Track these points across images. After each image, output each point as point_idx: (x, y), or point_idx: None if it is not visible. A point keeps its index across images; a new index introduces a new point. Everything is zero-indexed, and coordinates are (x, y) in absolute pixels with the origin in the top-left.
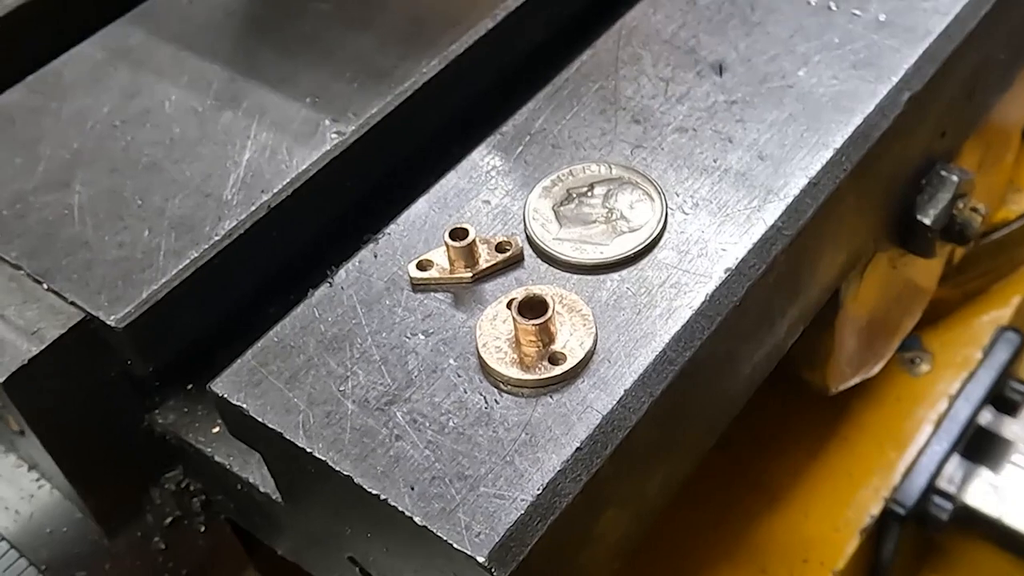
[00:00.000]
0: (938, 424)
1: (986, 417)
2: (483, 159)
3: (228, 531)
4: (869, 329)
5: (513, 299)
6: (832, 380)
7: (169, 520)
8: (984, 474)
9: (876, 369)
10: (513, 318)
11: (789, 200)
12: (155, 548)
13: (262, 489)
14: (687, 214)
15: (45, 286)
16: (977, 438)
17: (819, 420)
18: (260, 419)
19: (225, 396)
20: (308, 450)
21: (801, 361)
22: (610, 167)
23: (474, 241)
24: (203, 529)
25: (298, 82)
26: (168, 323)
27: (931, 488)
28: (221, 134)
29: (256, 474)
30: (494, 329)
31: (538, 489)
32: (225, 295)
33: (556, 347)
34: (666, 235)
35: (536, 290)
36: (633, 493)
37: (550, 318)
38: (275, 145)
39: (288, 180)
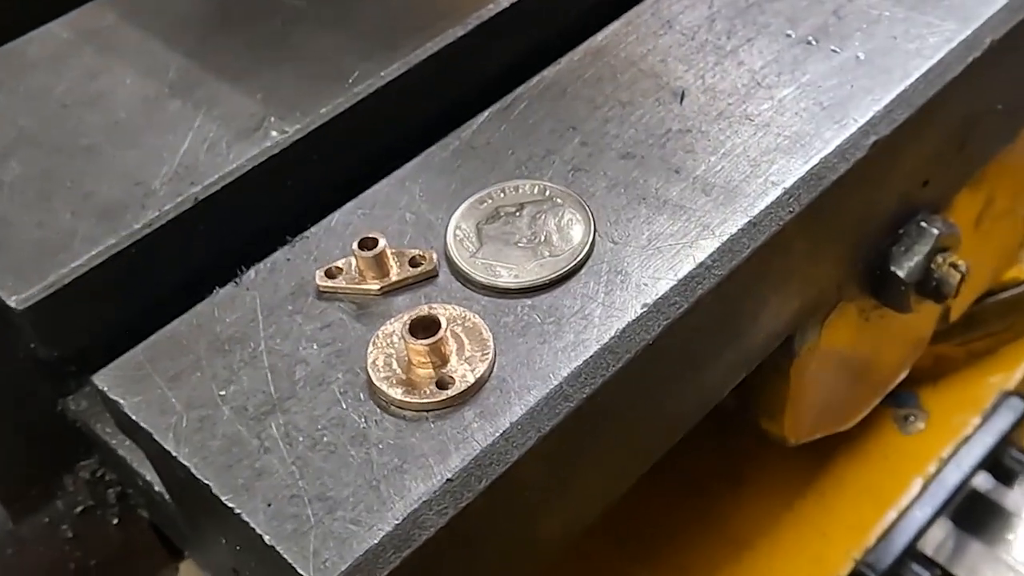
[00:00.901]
0: (925, 486)
1: (982, 485)
2: (418, 169)
3: (145, 526)
4: (837, 381)
5: (409, 317)
6: (792, 431)
7: (80, 509)
8: (975, 546)
9: (849, 424)
10: (403, 337)
11: (724, 239)
12: (63, 536)
13: (156, 488)
14: (615, 243)
15: None
16: (971, 506)
17: (798, 469)
18: (134, 416)
19: (105, 390)
20: (174, 454)
21: (758, 409)
22: (544, 188)
23: (384, 252)
24: (116, 521)
25: (255, 78)
26: (75, 309)
27: (910, 553)
28: (165, 123)
29: (154, 472)
30: (389, 346)
31: (397, 519)
32: (143, 286)
33: (447, 370)
34: (588, 264)
35: (432, 309)
36: (516, 535)
37: (441, 339)
38: (216, 138)
39: (220, 175)
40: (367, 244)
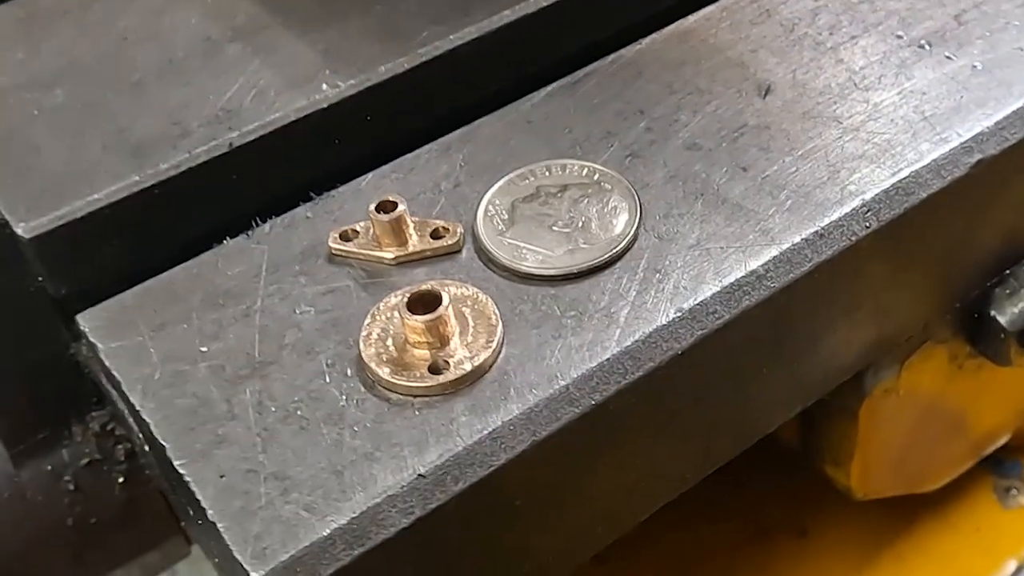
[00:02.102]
0: (1020, 570)
1: None
2: (465, 137)
3: (153, 490)
4: (919, 433)
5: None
6: (860, 483)
7: (86, 461)
8: None
9: (932, 486)
10: (399, 311)
11: (784, 247)
12: (64, 488)
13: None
14: (660, 239)
15: None
16: None
17: (872, 528)
18: (107, 362)
19: (86, 330)
20: (138, 407)
21: (824, 454)
22: (594, 171)
23: (402, 218)
24: (122, 480)
25: (321, 29)
26: (87, 245)
27: None
28: (220, 65)
29: None
30: (388, 321)
31: (354, 512)
32: (163, 229)
33: (445, 354)
34: (625, 257)
35: (438, 285)
36: (498, 551)
37: (440, 318)
38: (266, 86)
39: (260, 123)
40: (385, 207)
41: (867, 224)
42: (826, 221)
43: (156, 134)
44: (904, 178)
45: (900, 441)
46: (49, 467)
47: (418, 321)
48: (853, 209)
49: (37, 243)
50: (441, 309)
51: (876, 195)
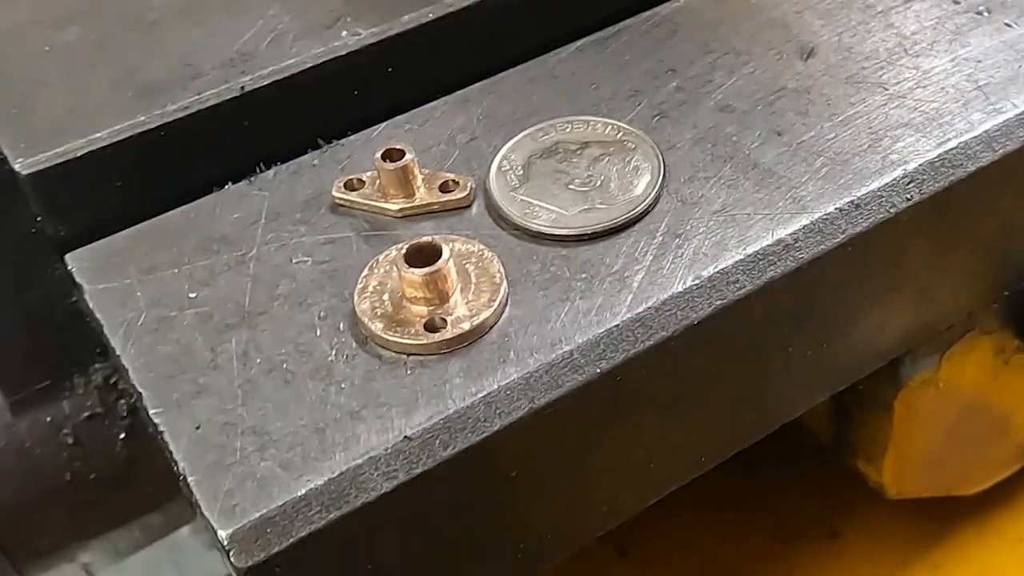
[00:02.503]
0: None
1: None
2: (485, 90)
3: (156, 448)
4: (959, 431)
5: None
6: (893, 480)
7: (87, 415)
8: None
9: (974, 489)
10: (396, 263)
11: (815, 216)
12: (63, 440)
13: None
14: (683, 202)
15: None
16: None
17: (907, 532)
18: (91, 304)
19: (73, 270)
20: (118, 352)
21: (856, 448)
22: (618, 129)
23: (409, 168)
24: (123, 436)
25: None
26: (86, 185)
27: None
28: (239, 7)
29: None
30: (387, 274)
31: (333, 473)
32: (167, 172)
33: (443, 311)
34: (644, 220)
35: (438, 239)
36: (489, 524)
37: (439, 272)
38: (284, 30)
39: (274, 68)
40: (392, 155)
41: (908, 196)
42: (863, 191)
43: (167, 75)
44: (951, 149)
45: (938, 438)
46: (49, 418)
47: (415, 274)
48: (894, 179)
49: (34, 180)
50: (440, 263)
51: (919, 165)
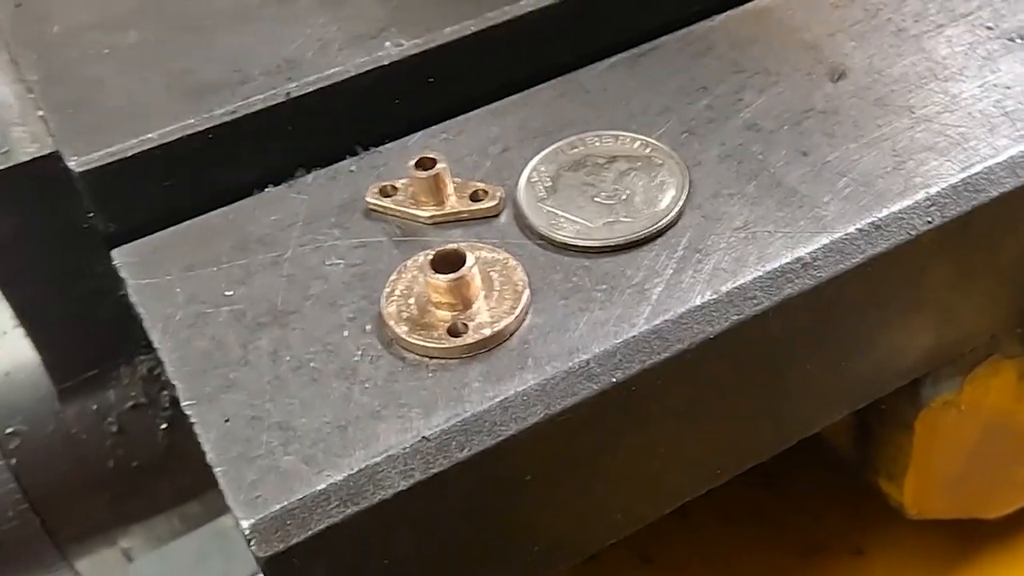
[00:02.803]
0: None
1: None
2: (520, 103)
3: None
4: (982, 454)
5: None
6: (914, 500)
7: (131, 404)
8: None
9: (997, 512)
10: (423, 269)
11: (835, 236)
12: (107, 428)
13: None
14: (706, 218)
15: (40, 112)
16: None
17: (931, 554)
18: (133, 298)
19: (118, 265)
20: (156, 345)
21: (878, 466)
22: (646, 144)
23: (440, 176)
24: (165, 426)
25: None
26: (137, 183)
27: None
28: (290, 15)
29: None
30: (414, 279)
31: (352, 469)
32: (214, 173)
33: (466, 317)
34: (667, 234)
35: (463, 246)
36: (503, 526)
37: (463, 279)
38: (331, 39)
39: (318, 76)
40: (424, 164)
41: (929, 219)
42: (884, 212)
43: (217, 79)
44: (975, 173)
45: (959, 460)
46: (95, 406)
47: (440, 280)
48: (915, 202)
49: (87, 178)
50: (464, 269)
51: (942, 189)
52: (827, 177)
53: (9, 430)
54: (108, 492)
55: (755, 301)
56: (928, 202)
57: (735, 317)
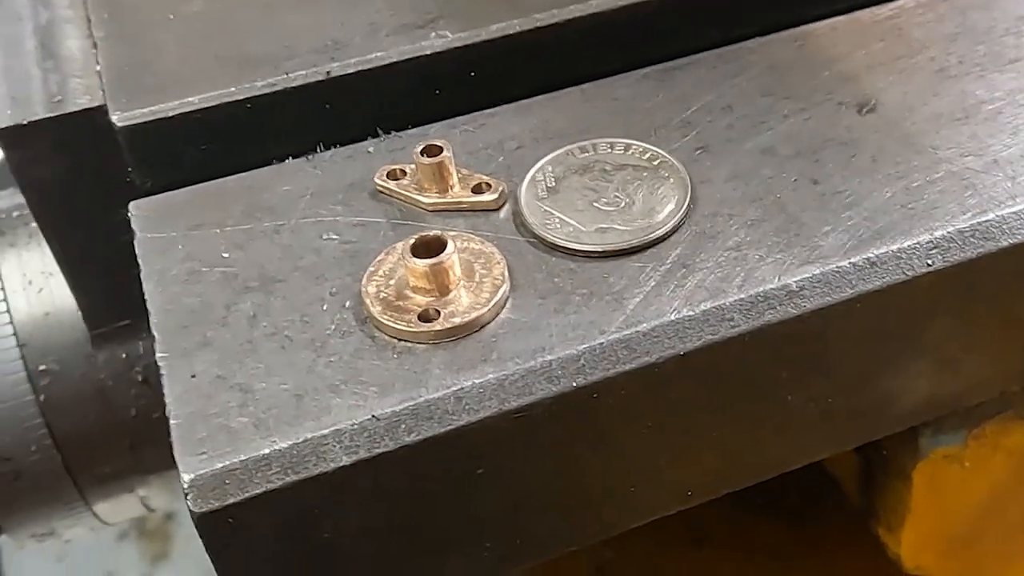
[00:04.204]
0: None
1: None
2: (545, 103)
3: None
4: (992, 520)
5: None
6: (910, 555)
7: None
8: None
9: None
10: (401, 252)
11: (827, 268)
12: (133, 377)
13: None
14: (701, 235)
15: (98, 68)
16: None
17: None
18: (137, 250)
19: (132, 216)
20: (147, 296)
21: (879, 515)
22: (656, 156)
23: (444, 164)
24: None
25: None
26: (174, 144)
27: None
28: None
29: None
30: (401, 261)
31: (298, 438)
32: (248, 141)
33: (441, 304)
34: (657, 247)
35: (446, 234)
36: (453, 517)
37: (441, 265)
38: (381, 23)
39: (360, 59)
40: (430, 151)
41: (930, 262)
42: (882, 249)
43: (267, 52)
44: (985, 220)
45: (964, 520)
46: (124, 355)
47: (418, 264)
48: (916, 242)
49: (128, 133)
50: (442, 256)
51: (947, 232)
52: (832, 208)
53: (42, 367)
54: (128, 439)
55: (732, 323)
56: (931, 244)
57: (709, 337)
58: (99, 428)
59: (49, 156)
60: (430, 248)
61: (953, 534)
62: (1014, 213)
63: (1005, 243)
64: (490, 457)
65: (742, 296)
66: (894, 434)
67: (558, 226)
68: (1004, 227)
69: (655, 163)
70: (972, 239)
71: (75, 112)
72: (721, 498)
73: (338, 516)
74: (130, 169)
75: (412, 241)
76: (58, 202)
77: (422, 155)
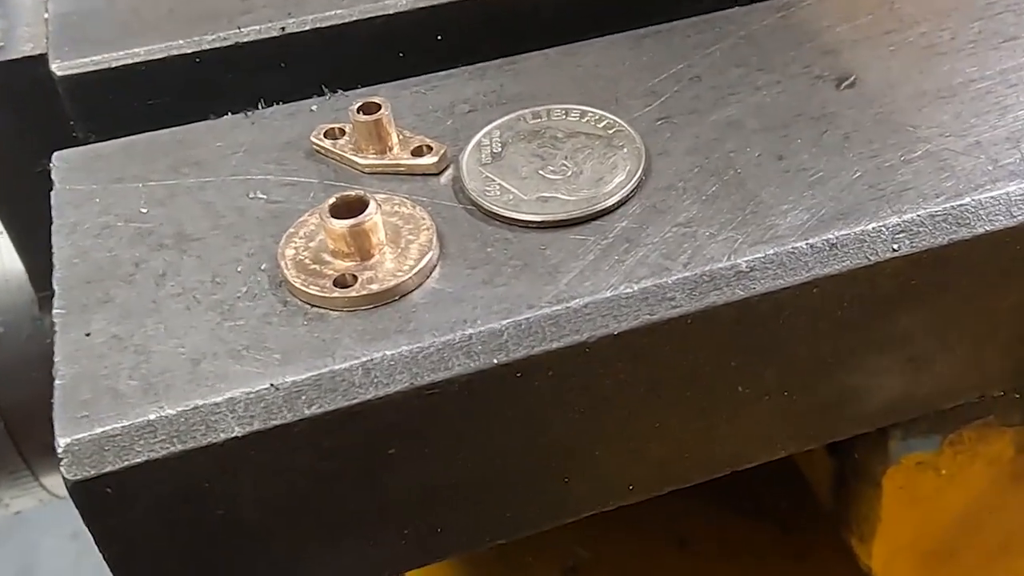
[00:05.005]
0: None
1: None
2: (501, 67)
3: None
4: (971, 531)
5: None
6: (883, 568)
7: None
8: None
9: None
10: (320, 213)
11: (782, 249)
12: None
13: None
14: (651, 209)
15: (46, 16)
16: None
17: None
18: (53, 200)
19: (52, 166)
20: (54, 248)
21: (851, 523)
22: (612, 125)
23: (382, 123)
24: None
25: None
26: (115, 95)
27: None
28: None
29: None
30: (324, 223)
31: (188, 405)
32: (198, 97)
33: (361, 269)
34: (601, 219)
35: (374, 195)
36: (361, 499)
37: (359, 227)
38: None
39: (316, 16)
40: (368, 108)
41: (895, 246)
42: (844, 231)
43: (222, 6)
44: (961, 204)
45: (940, 534)
46: None
47: (335, 225)
48: (883, 225)
49: (66, 83)
50: (362, 217)
51: (917, 216)
52: (795, 186)
53: None
54: None
55: (673, 303)
56: (898, 227)
57: (647, 317)
58: (45, 396)
59: None
60: (352, 209)
61: (928, 548)
62: (992, 198)
63: (980, 230)
64: (402, 436)
65: (687, 274)
66: (865, 436)
67: (497, 193)
68: (980, 212)
69: (610, 132)
70: (944, 224)
71: (14, 59)
72: (706, 499)
73: (231, 491)
74: (72, 122)
75: (332, 201)
76: (3, 159)
77: (359, 112)
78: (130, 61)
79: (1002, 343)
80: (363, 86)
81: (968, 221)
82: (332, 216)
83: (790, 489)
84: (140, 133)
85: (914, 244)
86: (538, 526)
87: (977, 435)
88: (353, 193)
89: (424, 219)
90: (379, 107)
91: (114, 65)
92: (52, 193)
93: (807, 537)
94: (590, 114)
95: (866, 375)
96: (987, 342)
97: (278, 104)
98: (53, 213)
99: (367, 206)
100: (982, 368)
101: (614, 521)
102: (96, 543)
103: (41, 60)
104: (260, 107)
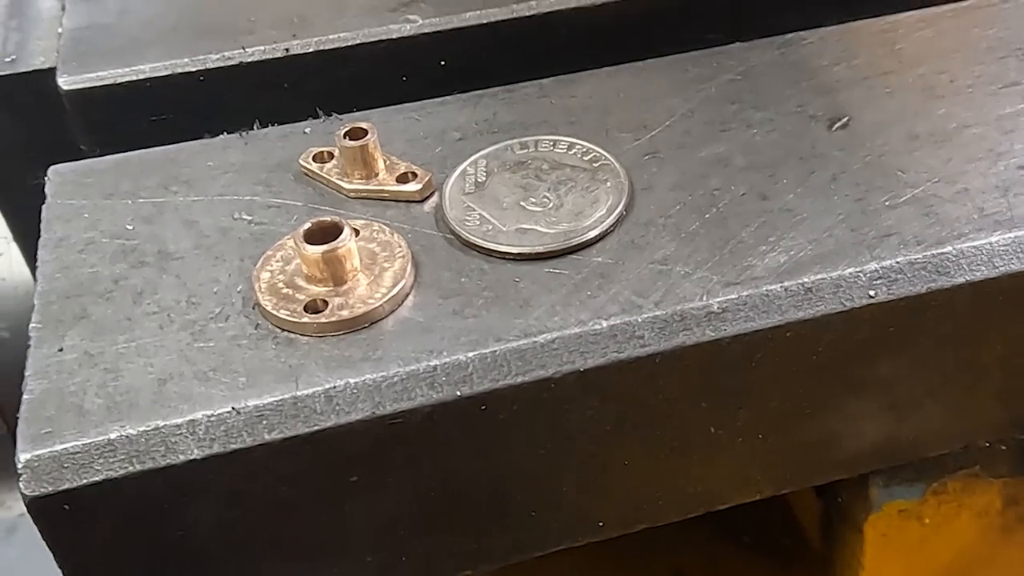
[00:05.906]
0: None
1: None
2: (496, 96)
3: None
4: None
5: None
6: None
7: None
8: None
9: None
10: (295, 237)
11: (756, 291)
12: None
13: None
14: (628, 245)
15: (60, 30)
16: None
17: None
18: (44, 213)
19: (47, 180)
20: (38, 263)
21: (837, 567)
22: (598, 159)
23: (368, 149)
24: None
25: None
26: (121, 110)
27: None
28: None
29: None
30: (299, 248)
31: (149, 426)
32: (200, 115)
33: (334, 295)
34: (579, 254)
35: (352, 222)
36: (323, 525)
37: (332, 253)
38: (350, 3)
39: (320, 38)
40: (354, 134)
41: (872, 292)
42: (820, 276)
43: (227, 24)
44: (941, 253)
45: None
46: None
47: (309, 251)
48: (860, 271)
49: (72, 97)
50: (336, 243)
51: (897, 263)
52: (777, 226)
53: None
54: None
55: (641, 342)
56: (875, 273)
57: (614, 355)
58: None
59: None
60: (327, 234)
61: None
62: (974, 247)
63: (960, 279)
64: (365, 465)
65: (657, 313)
66: (849, 480)
67: (477, 223)
68: (961, 262)
69: (595, 165)
70: (923, 272)
71: (24, 73)
72: (704, 532)
73: (190, 514)
74: (78, 136)
75: (307, 226)
76: (11, 166)
77: (345, 138)
78: (135, 78)
79: (987, 393)
80: (365, 109)
81: (948, 270)
82: (306, 241)
83: (791, 526)
84: (144, 148)
85: (891, 291)
86: (506, 558)
87: (962, 485)
88: (329, 219)
89: (400, 246)
90: (366, 132)
91: (119, 81)
92: (44, 207)
93: (806, 574)
94: (577, 146)
95: (843, 420)
96: (971, 392)
97: (278, 125)
98: (42, 227)
99: (341, 232)
100: (966, 418)
101: (609, 551)
102: (55, 560)
103: (50, 74)
104: (256, 127)
